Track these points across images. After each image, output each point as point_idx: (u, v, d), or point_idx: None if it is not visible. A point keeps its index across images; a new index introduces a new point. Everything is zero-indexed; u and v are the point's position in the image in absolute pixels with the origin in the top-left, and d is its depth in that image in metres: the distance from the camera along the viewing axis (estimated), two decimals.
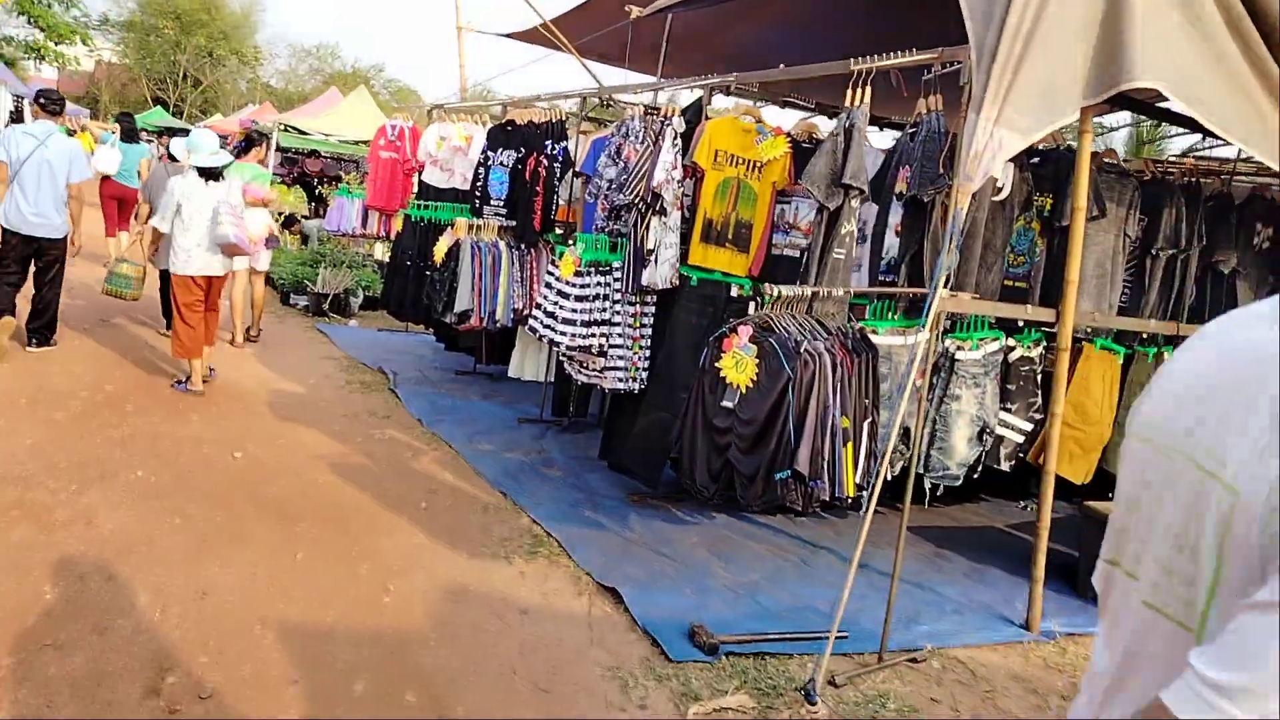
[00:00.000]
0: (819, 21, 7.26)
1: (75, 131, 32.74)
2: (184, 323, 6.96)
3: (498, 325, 7.05)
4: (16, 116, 21.50)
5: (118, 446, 5.68)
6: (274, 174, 19.54)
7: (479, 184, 7.56)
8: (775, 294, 3.97)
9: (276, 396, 7.38)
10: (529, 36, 10.61)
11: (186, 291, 6.94)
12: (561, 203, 7.01)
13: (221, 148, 7.27)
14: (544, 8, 9.84)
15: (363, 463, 6.04)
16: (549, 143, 6.87)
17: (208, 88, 50.11)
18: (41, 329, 7.68)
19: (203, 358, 7.14)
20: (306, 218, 16.35)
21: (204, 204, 6.86)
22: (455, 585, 4.40)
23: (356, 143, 17.95)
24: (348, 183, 11.07)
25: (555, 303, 5.44)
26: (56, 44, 36.25)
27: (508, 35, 10.98)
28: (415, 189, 10.28)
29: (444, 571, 4.53)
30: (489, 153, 7.51)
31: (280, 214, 15.28)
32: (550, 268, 5.60)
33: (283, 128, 17.43)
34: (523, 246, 7.14)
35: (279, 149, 17.65)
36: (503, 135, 7.44)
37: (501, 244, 7.04)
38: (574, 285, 5.32)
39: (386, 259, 14.71)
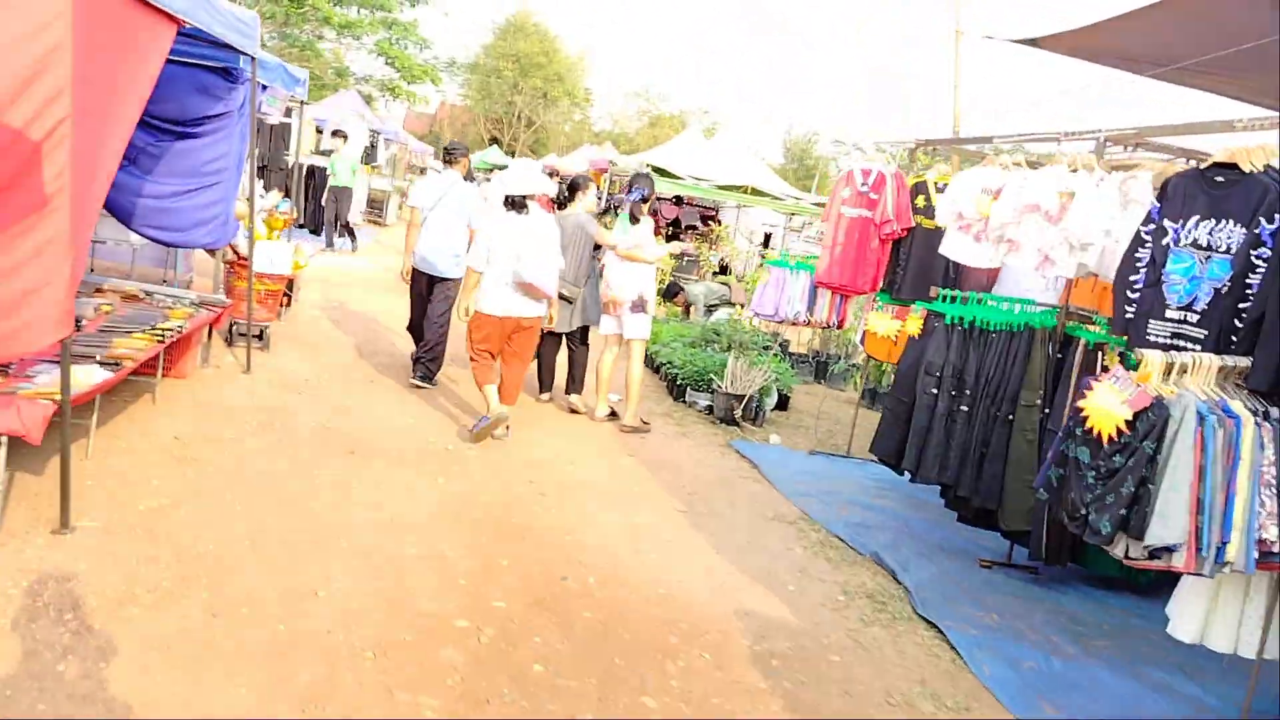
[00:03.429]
0: None
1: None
2: (473, 360, 6.61)
3: (1225, 569, 3.55)
4: (372, 151, 20.76)
5: None
6: None
7: (1137, 279, 4.13)
8: None
9: (761, 633, 4.28)
10: (1075, 42, 7.13)
11: (479, 329, 6.49)
12: None
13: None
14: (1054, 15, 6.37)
15: None
16: None
17: (539, 128, 50.73)
18: (428, 363, 7.82)
19: (495, 384, 6.57)
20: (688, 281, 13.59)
21: (509, 238, 6.36)
22: None
23: (731, 189, 15.19)
24: (785, 253, 7.99)
25: None
26: (409, 84, 37.20)
27: (1028, 42, 7.54)
28: (890, 263, 7.06)
29: None
30: (1167, 223, 4.07)
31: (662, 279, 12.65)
32: None
33: (649, 169, 14.95)
34: (1275, 414, 3.61)
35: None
36: (1205, 191, 3.98)
37: (1237, 406, 3.54)
38: None
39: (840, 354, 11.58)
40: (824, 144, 55.08)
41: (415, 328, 8.05)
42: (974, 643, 4.44)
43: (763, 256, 18.44)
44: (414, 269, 7.83)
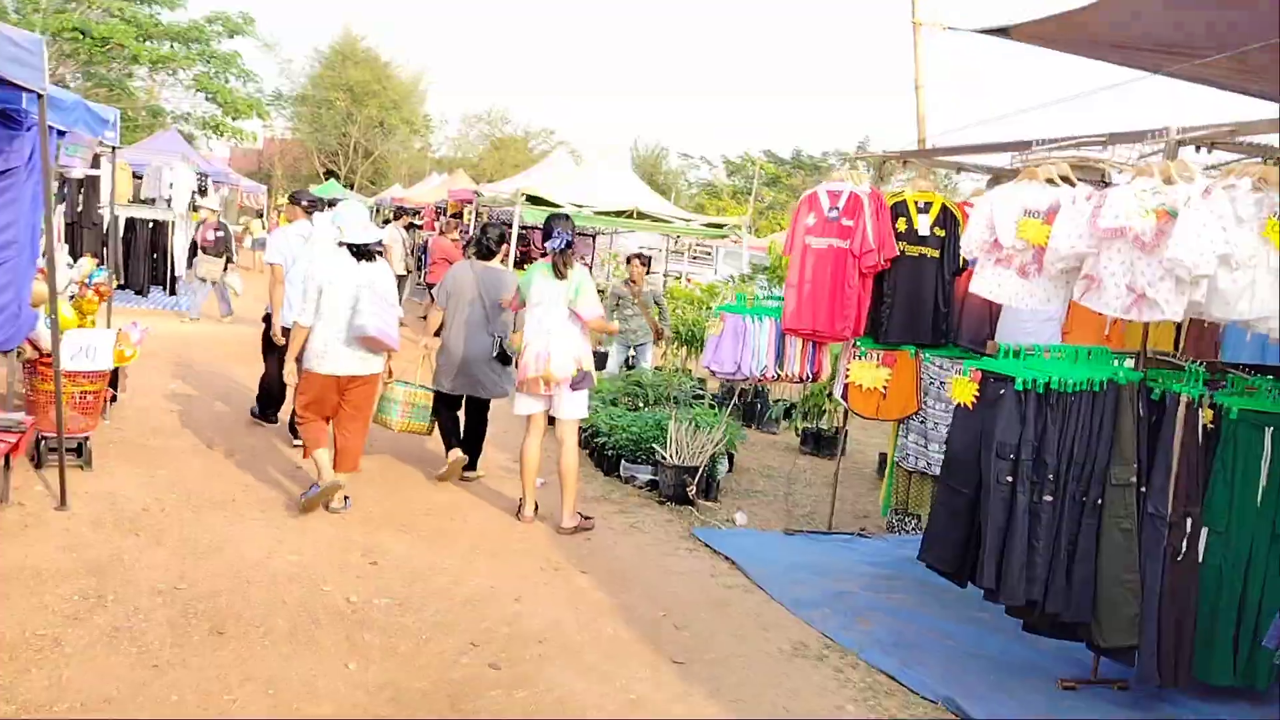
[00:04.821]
0: None
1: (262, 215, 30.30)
2: (301, 421, 5.96)
3: None
4: (200, 195, 18.48)
5: None
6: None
7: None
8: None
9: None
10: (1056, 30, 6.11)
11: (310, 390, 5.87)
12: None
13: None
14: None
15: None
16: None
17: (377, 158, 48.36)
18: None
19: (328, 448, 5.93)
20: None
21: (348, 288, 5.79)
22: None
23: (614, 214, 13.88)
24: (741, 295, 6.58)
25: None
26: (233, 120, 34.51)
27: (995, 32, 6.49)
28: (889, 305, 5.87)
29: None
30: None
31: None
32: None
33: (525, 198, 13.48)
34: None
35: (522, 228, 13.74)
36: None
37: None
38: None
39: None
40: (672, 158, 54.80)
41: (276, 388, 7.65)
42: None
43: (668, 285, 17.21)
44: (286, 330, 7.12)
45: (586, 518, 6.18)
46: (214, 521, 5.56)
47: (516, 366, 6.58)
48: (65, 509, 5.45)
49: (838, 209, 5.83)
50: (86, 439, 6.25)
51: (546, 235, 6.07)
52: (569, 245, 5.98)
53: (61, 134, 6.37)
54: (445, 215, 18.60)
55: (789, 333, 6.07)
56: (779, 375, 6.11)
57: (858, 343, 5.99)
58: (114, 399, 7.64)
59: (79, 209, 14.35)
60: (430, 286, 14.67)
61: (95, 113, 7.00)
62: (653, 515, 6.61)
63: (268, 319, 7.51)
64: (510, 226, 14.97)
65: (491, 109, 53.14)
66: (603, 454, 7.62)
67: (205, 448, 7.13)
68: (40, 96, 5.02)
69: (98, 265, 8.26)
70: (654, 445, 7.11)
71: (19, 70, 4.68)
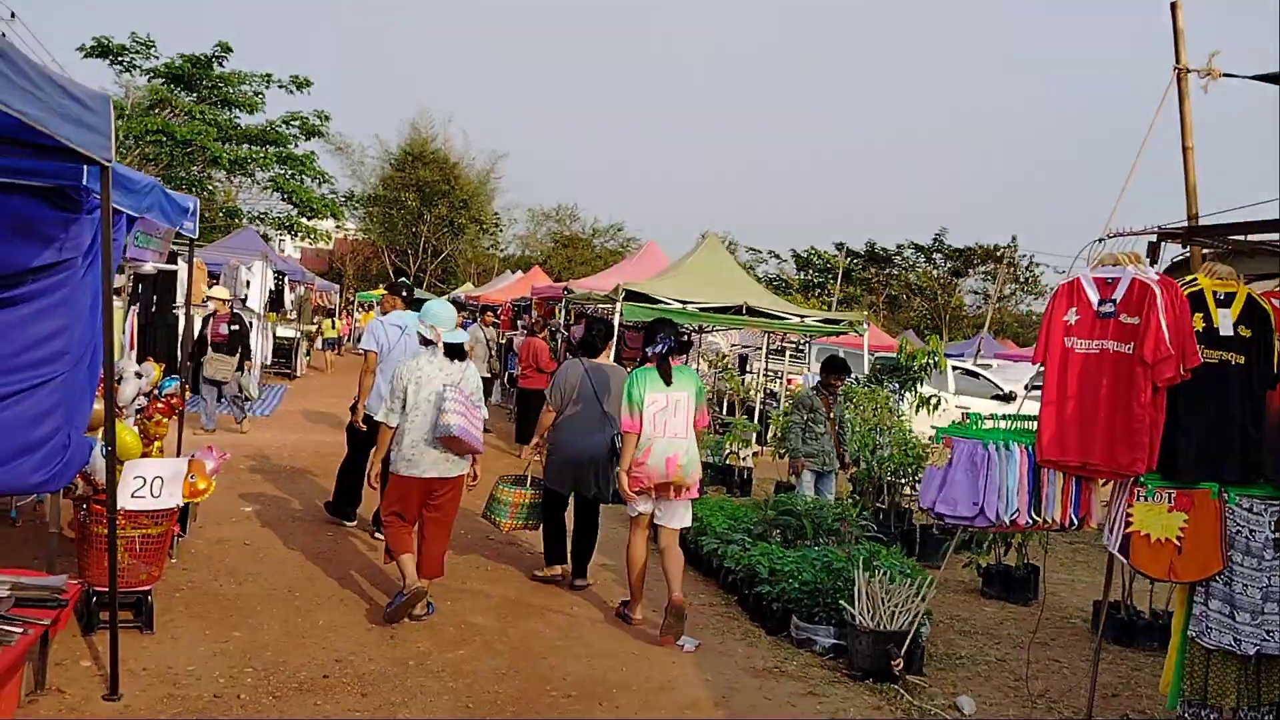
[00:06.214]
0: None
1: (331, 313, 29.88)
2: (389, 529, 5.66)
3: None
4: (277, 295, 17.76)
5: None
6: None
7: None
8: None
9: None
10: None
11: (399, 497, 5.61)
12: None
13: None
14: None
15: None
16: None
17: (446, 257, 48.26)
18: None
19: (412, 554, 5.59)
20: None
21: (436, 388, 5.56)
22: None
23: (720, 311, 12.60)
24: (975, 415, 5.04)
25: None
26: (308, 219, 34.49)
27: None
28: (1184, 428, 4.44)
29: None
30: None
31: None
32: None
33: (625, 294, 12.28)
34: None
35: (623, 325, 12.52)
36: None
37: None
38: None
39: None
40: (740, 252, 53.94)
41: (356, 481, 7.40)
42: None
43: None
44: (370, 419, 6.92)
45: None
46: (301, 707, 4.23)
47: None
48: (116, 698, 4.19)
49: (1113, 301, 4.47)
50: (148, 593, 5.01)
51: (650, 340, 5.87)
52: (671, 351, 5.79)
53: (130, 221, 5.30)
54: (530, 314, 17.61)
55: (1046, 464, 4.64)
56: (1034, 522, 4.66)
57: (1142, 479, 4.54)
58: (182, 531, 6.43)
59: (152, 309, 13.53)
60: (515, 387, 13.66)
61: (173, 199, 5.97)
62: (851, 699, 5.11)
63: (354, 408, 7.38)
64: (607, 324, 13.94)
65: (560, 206, 53.02)
66: (764, 607, 6.17)
67: (287, 594, 5.88)
68: (104, 168, 3.91)
69: (167, 375, 7.13)
70: (843, 603, 5.65)
71: (79, 134, 3.58)
